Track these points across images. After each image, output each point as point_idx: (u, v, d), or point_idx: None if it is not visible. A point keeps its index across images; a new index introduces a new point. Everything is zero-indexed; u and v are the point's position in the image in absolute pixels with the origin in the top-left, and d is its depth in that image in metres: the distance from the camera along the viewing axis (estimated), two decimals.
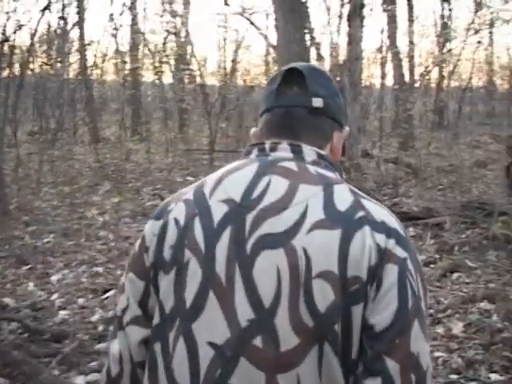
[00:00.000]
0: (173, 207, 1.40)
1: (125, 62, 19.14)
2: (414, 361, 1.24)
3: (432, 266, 6.30)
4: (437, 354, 4.28)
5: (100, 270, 6.30)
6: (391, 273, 1.25)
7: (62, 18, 16.70)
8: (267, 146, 1.41)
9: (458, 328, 4.74)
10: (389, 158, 12.87)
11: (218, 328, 1.27)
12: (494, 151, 14.70)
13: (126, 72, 18.76)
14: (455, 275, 6.13)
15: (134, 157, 14.28)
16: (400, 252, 1.27)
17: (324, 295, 1.23)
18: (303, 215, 1.27)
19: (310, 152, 1.39)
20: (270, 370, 1.23)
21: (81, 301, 5.41)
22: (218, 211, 1.32)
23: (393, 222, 1.32)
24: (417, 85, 19.55)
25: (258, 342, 1.24)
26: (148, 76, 20.52)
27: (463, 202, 8.59)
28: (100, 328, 4.74)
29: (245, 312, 1.25)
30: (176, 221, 1.37)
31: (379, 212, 1.32)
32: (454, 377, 4.02)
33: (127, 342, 1.41)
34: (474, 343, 4.52)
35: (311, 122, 1.43)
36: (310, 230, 1.26)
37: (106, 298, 5.44)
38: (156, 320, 1.36)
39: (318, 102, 1.43)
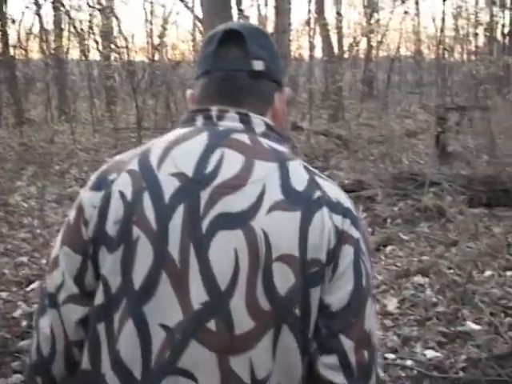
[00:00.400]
0: (115, 177, 1.29)
1: (48, 41, 18.53)
2: (367, 338, 1.26)
3: None
4: None
5: (25, 259, 6.01)
6: (347, 254, 1.25)
7: None
8: (213, 113, 1.33)
9: (392, 304, 4.70)
10: (319, 130, 12.86)
11: (170, 310, 1.21)
12: (423, 121, 14.83)
13: (52, 51, 18.18)
14: (389, 248, 6.12)
15: (61, 138, 13.82)
16: (354, 232, 1.27)
17: (285, 278, 1.20)
18: (261, 195, 1.23)
19: (258, 122, 1.33)
20: (223, 353, 1.20)
21: (4, 294, 5.14)
22: (169, 186, 1.24)
23: (346, 201, 1.31)
24: (346, 56, 19.64)
25: (211, 325, 1.20)
26: (74, 54, 20.00)
27: (395, 173, 8.59)
28: (23, 324, 4.50)
29: (199, 294, 1.20)
30: (121, 193, 1.26)
31: (333, 190, 1.30)
32: (390, 356, 3.97)
33: (61, 320, 1.32)
34: (408, 319, 4.50)
35: (253, 86, 1.37)
36: (269, 210, 1.22)
37: (31, 290, 5.20)
38: (99, 299, 1.27)
39: (259, 65, 1.36)
